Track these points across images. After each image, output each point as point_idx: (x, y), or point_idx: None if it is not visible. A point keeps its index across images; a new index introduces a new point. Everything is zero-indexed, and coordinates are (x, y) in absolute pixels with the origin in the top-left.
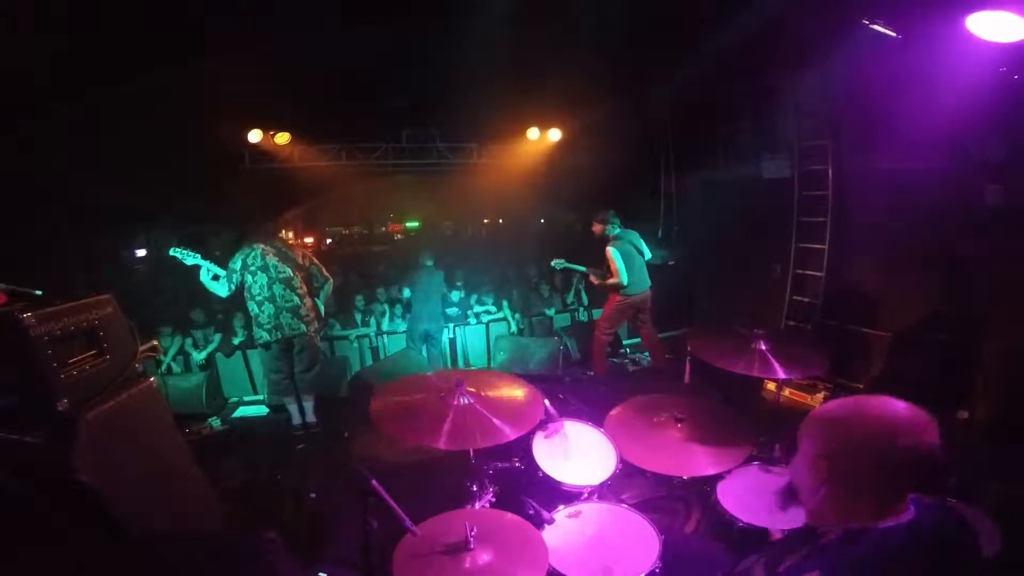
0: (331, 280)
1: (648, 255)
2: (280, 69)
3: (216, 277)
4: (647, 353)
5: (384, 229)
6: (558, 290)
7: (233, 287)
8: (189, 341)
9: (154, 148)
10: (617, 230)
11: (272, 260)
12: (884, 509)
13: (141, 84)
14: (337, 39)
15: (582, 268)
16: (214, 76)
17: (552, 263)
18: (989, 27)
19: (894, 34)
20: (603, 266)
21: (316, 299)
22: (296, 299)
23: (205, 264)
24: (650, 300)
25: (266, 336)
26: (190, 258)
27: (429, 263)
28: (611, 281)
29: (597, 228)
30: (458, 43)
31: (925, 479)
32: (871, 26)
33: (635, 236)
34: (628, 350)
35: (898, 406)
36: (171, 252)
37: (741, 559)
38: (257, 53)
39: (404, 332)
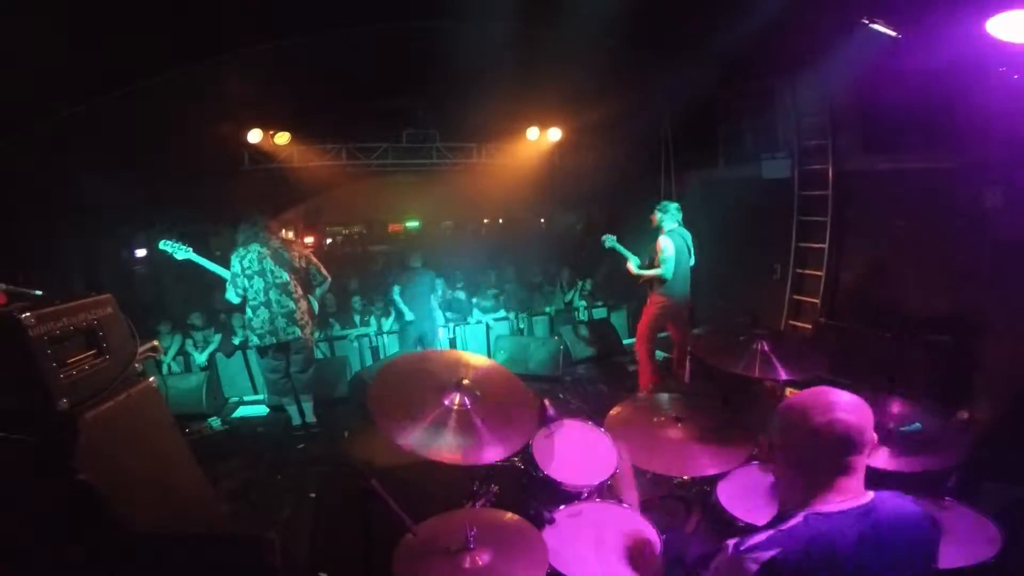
0: (329, 279)
1: (693, 261)
2: (281, 69)
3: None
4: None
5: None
6: (562, 288)
7: (241, 291)
8: (189, 341)
9: (154, 148)
10: (674, 224)
11: (269, 264)
12: (826, 486)
13: (142, 84)
14: (338, 40)
15: (629, 255)
16: (215, 76)
17: (604, 237)
18: (1008, 28)
19: (895, 33)
20: (647, 258)
21: (311, 298)
22: (291, 303)
23: (196, 259)
24: (688, 306)
25: (258, 341)
26: (181, 252)
27: (418, 264)
28: (652, 272)
29: (654, 218)
30: (458, 43)
31: (852, 457)
32: (871, 25)
33: (689, 237)
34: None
35: (836, 393)
36: (160, 245)
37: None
38: (258, 53)
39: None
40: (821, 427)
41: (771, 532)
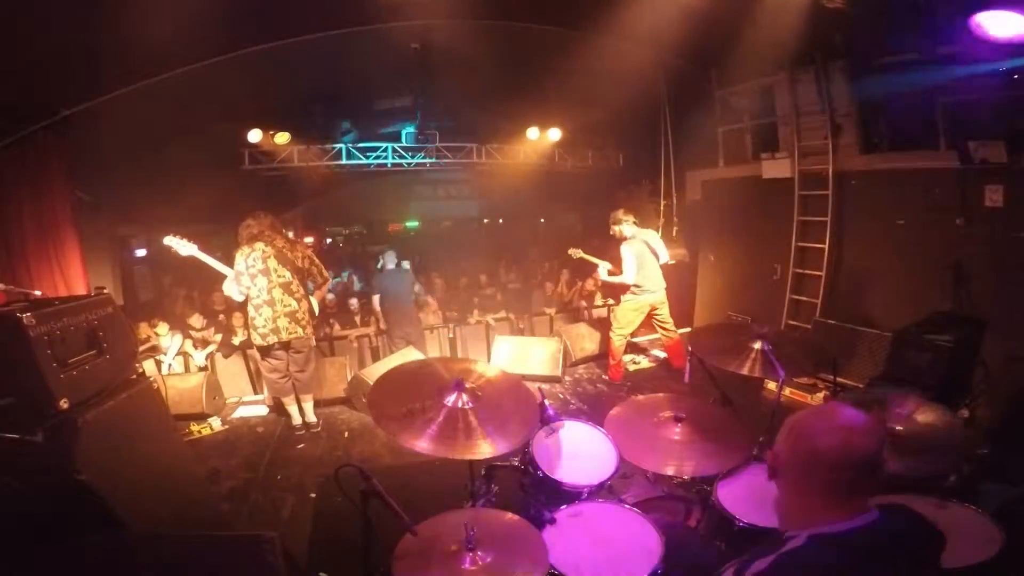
0: (330, 280)
1: (664, 257)
2: (281, 70)
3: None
4: (649, 355)
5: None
6: (561, 289)
7: (244, 288)
8: (189, 341)
9: (155, 148)
10: (631, 230)
11: (273, 263)
12: (830, 506)
13: (142, 84)
14: (338, 40)
15: (598, 261)
16: (214, 76)
17: (569, 251)
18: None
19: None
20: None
21: (311, 299)
22: (294, 303)
23: (200, 255)
24: (667, 302)
25: (260, 340)
26: (185, 248)
27: (392, 264)
28: (616, 278)
29: (611, 231)
30: (458, 43)
31: (861, 479)
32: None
33: (652, 236)
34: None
35: (845, 412)
36: (165, 240)
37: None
38: (259, 54)
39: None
40: (833, 450)
41: (772, 558)
